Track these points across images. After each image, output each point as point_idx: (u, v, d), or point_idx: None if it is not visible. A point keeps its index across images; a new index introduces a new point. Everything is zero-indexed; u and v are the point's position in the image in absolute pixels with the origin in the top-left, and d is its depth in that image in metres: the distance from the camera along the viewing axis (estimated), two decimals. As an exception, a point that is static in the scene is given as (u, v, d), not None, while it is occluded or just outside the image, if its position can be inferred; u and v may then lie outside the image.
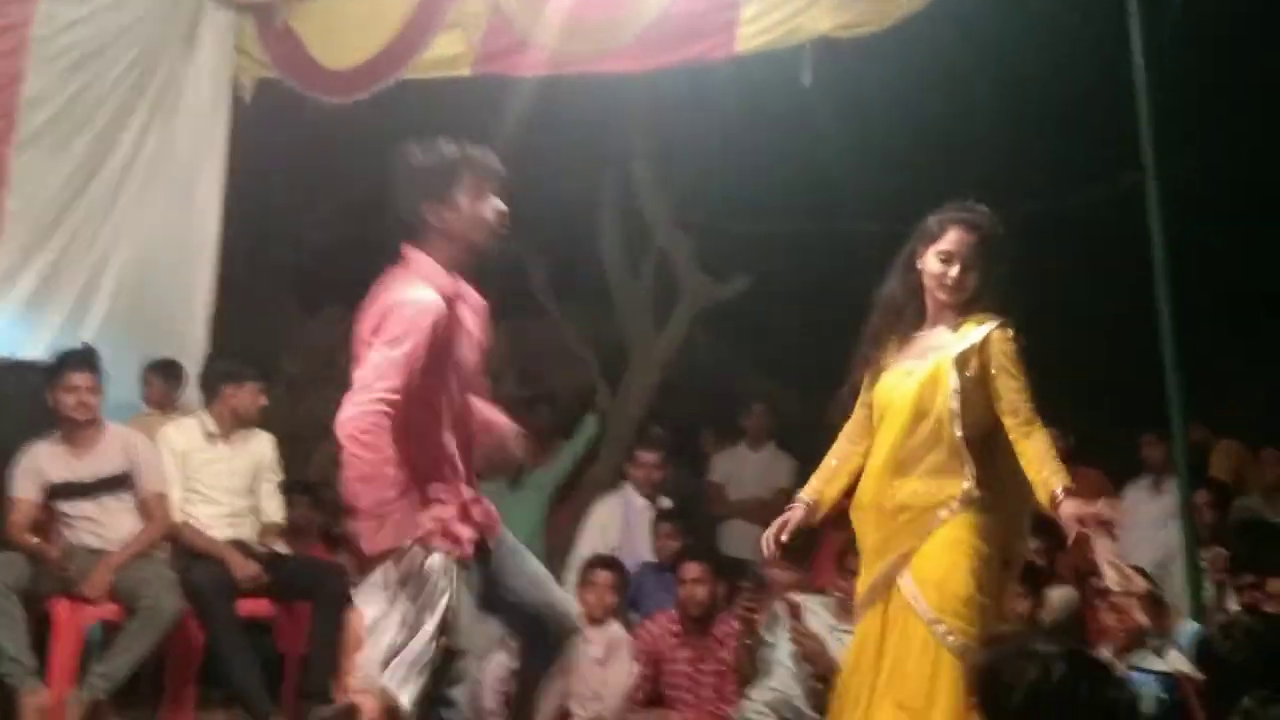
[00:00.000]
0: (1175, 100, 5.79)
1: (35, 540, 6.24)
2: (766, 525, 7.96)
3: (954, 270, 4.43)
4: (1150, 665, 5.47)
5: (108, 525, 6.34)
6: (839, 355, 8.89)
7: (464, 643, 4.17)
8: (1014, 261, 4.46)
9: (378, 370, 4.09)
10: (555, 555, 8.25)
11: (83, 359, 6.41)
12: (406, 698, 4.07)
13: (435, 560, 4.16)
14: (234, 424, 6.69)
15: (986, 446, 4.35)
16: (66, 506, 6.35)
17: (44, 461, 6.32)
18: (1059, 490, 4.12)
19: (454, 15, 7.09)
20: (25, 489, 6.29)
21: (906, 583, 4.30)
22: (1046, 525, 6.72)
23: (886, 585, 4.36)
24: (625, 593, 6.97)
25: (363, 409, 4.03)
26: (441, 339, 4.19)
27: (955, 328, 4.45)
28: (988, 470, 4.34)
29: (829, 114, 7.21)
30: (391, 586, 4.14)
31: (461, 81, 7.20)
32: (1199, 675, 4.14)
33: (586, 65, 6.84)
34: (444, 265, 4.31)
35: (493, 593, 4.39)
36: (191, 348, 7.55)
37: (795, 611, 6.35)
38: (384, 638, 4.12)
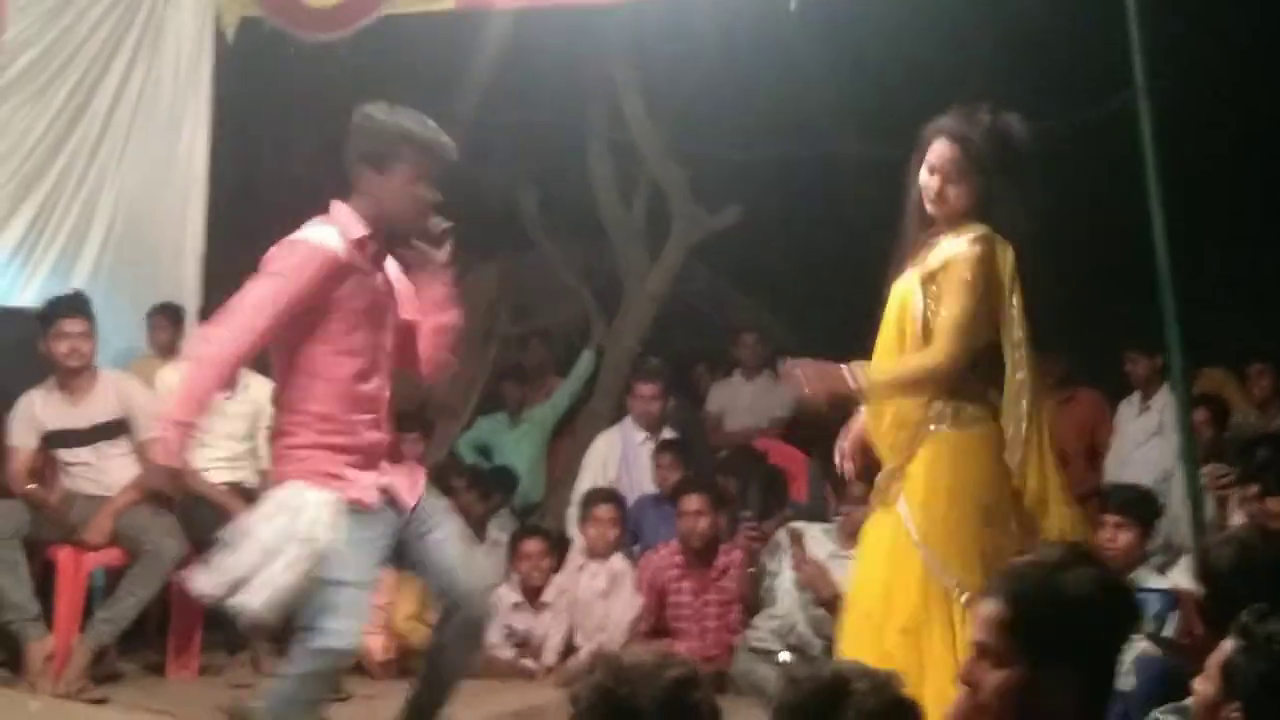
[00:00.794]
0: (1166, 18, 5.73)
1: (34, 487, 6.25)
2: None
3: (934, 183, 4.31)
4: (1151, 583, 5.49)
5: (106, 471, 6.33)
6: (829, 282, 8.90)
7: (342, 575, 4.17)
8: (1017, 173, 4.30)
9: (251, 302, 4.21)
10: (556, 489, 8.27)
11: (74, 305, 6.37)
12: (255, 602, 4.12)
13: (312, 496, 4.19)
14: None
15: (969, 361, 4.25)
16: (64, 454, 6.35)
17: (40, 409, 6.30)
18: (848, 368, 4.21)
19: (436, -52, 7.00)
20: (22, 437, 6.29)
21: (900, 504, 4.26)
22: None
23: (882, 497, 4.33)
24: (626, 526, 6.99)
25: (215, 341, 4.23)
26: (332, 286, 4.23)
27: (946, 239, 4.33)
28: (972, 385, 4.26)
29: (815, 38, 7.15)
30: (266, 514, 4.21)
31: (445, 17, 7.13)
32: (1199, 591, 4.14)
33: (568, -3, 6.78)
34: (365, 224, 4.33)
35: (411, 555, 4.47)
36: (185, 289, 7.52)
37: (796, 539, 6.37)
38: (243, 556, 4.16)
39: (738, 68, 7.87)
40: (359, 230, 4.32)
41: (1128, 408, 7.73)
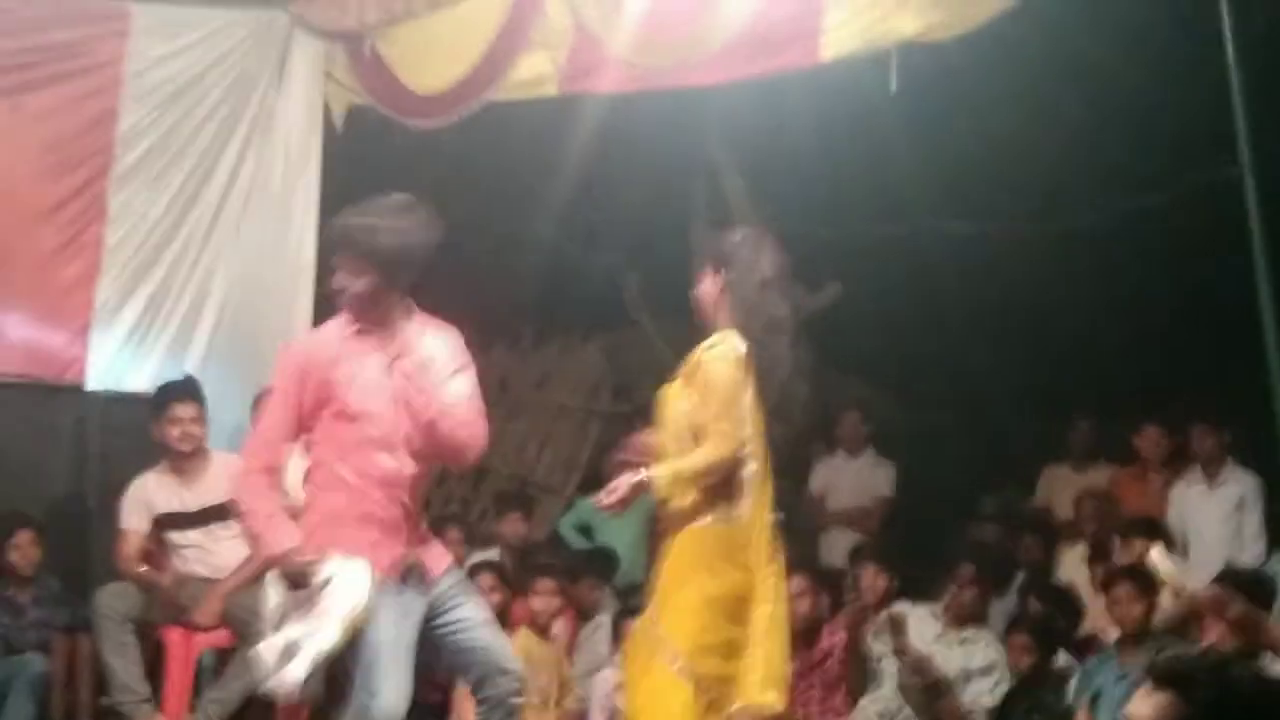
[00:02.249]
0: (1270, 95, 5.68)
1: (146, 570, 6.36)
2: (867, 534, 8.01)
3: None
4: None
5: (216, 553, 6.43)
6: (925, 357, 8.84)
7: (382, 637, 4.42)
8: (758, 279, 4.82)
9: (269, 410, 4.71)
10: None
11: (185, 390, 6.51)
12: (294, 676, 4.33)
13: (348, 564, 4.40)
14: None
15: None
16: (175, 536, 6.45)
17: (152, 493, 6.43)
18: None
19: (539, 35, 7.09)
20: (135, 520, 6.42)
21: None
22: (1150, 528, 6.67)
23: None
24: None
25: (246, 462, 4.68)
26: (320, 383, 4.58)
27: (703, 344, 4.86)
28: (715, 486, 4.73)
29: (914, 118, 7.14)
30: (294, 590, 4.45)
31: (546, 100, 7.23)
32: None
33: (671, 79, 6.82)
34: (355, 318, 4.66)
35: (433, 637, 4.65)
36: (292, 373, 7.61)
37: (898, 626, 6.29)
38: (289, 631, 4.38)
39: (832, 146, 7.89)
40: (337, 332, 4.69)
41: (1191, 487, 7.28)
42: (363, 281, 4.61)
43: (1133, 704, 2.65)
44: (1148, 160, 7.21)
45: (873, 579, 6.76)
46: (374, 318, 4.65)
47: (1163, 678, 2.62)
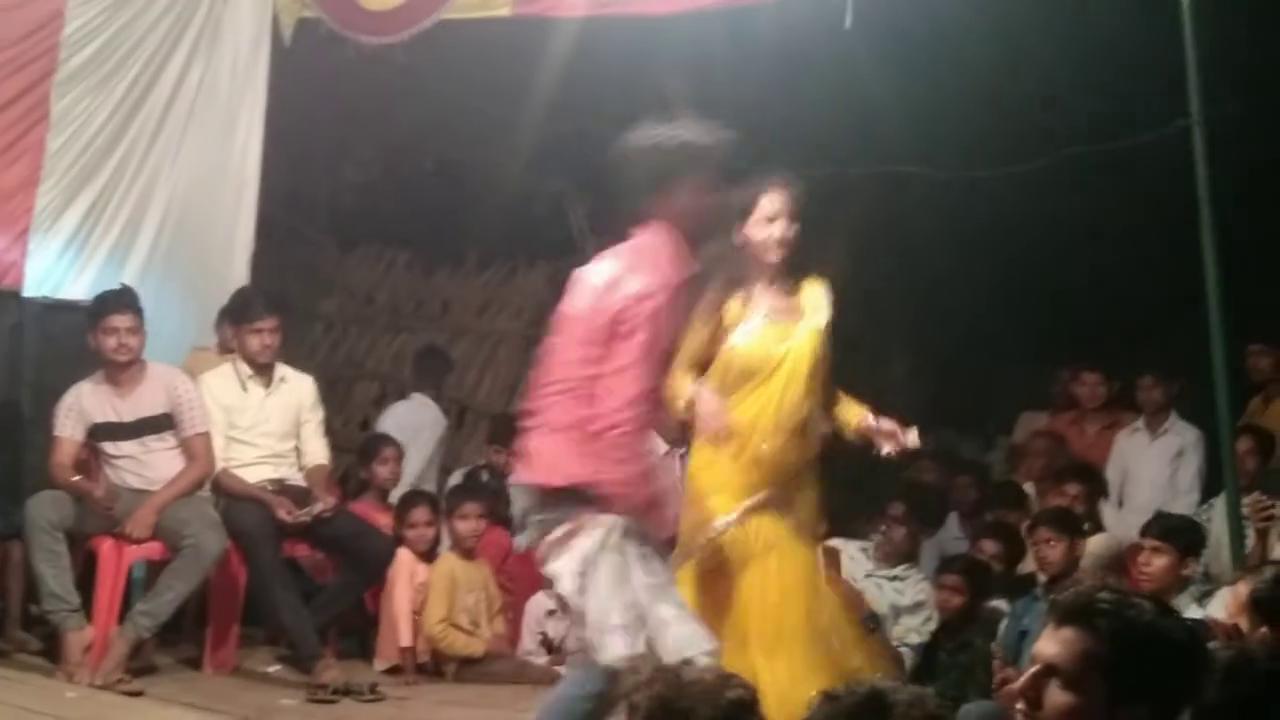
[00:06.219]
0: (1225, 46, 5.71)
1: (79, 479, 6.30)
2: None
3: (786, 229, 4.97)
4: (1189, 613, 5.44)
5: (150, 465, 6.38)
6: (881, 299, 8.87)
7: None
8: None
9: (633, 370, 4.24)
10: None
11: (122, 300, 6.44)
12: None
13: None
14: (258, 366, 6.69)
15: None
16: (109, 446, 6.40)
17: (87, 401, 6.36)
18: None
19: (494, -46, 7.02)
20: (69, 429, 6.35)
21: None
22: (1084, 473, 6.75)
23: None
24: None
25: (621, 418, 4.21)
26: (665, 325, 4.32)
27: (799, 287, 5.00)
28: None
29: (871, 56, 7.12)
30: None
31: (500, 23, 7.15)
32: (1234, 624, 4.13)
33: (626, 7, 6.77)
34: (672, 246, 4.36)
35: None
36: (233, 286, 7.52)
37: (832, 558, 6.33)
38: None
39: (792, 82, 7.85)
40: (673, 268, 4.36)
41: (1134, 436, 7.51)
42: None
43: (1039, 643, 2.62)
44: (1106, 109, 7.24)
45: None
46: None
47: (1065, 614, 2.62)
